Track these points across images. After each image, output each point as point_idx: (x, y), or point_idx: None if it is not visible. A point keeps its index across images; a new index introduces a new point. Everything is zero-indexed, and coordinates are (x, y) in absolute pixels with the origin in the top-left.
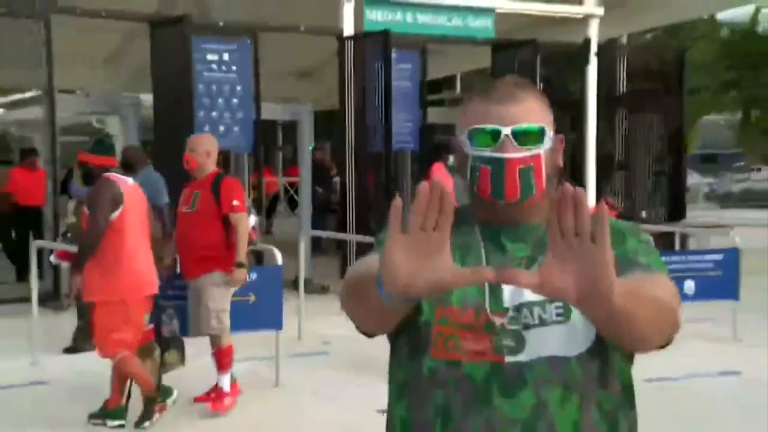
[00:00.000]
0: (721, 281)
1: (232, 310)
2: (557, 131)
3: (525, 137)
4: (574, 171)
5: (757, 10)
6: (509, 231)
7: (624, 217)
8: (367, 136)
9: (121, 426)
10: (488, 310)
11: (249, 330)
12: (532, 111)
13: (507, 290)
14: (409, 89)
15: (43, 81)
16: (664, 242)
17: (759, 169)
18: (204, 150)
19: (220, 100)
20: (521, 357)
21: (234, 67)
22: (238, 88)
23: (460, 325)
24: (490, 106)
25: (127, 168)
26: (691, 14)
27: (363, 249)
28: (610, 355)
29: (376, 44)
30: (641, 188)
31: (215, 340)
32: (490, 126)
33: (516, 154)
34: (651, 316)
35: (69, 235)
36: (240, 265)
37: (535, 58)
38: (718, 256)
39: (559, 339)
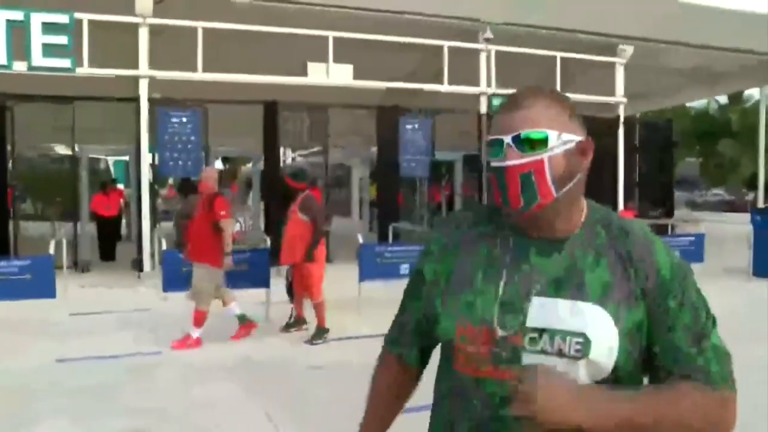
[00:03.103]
0: (695, 251)
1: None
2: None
3: (527, 143)
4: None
5: (709, 101)
6: (539, 244)
7: (639, 215)
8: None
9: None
10: (497, 328)
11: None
12: (538, 117)
13: (535, 308)
14: None
15: (324, 142)
16: (662, 229)
17: (710, 190)
18: (206, 177)
19: (412, 149)
20: None
21: (420, 132)
22: (422, 143)
23: (476, 342)
24: (500, 116)
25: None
26: (673, 103)
27: None
28: (620, 381)
29: None
30: (649, 199)
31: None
32: (494, 136)
33: (516, 161)
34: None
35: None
36: (227, 255)
37: (588, 125)
38: (693, 237)
39: (571, 371)
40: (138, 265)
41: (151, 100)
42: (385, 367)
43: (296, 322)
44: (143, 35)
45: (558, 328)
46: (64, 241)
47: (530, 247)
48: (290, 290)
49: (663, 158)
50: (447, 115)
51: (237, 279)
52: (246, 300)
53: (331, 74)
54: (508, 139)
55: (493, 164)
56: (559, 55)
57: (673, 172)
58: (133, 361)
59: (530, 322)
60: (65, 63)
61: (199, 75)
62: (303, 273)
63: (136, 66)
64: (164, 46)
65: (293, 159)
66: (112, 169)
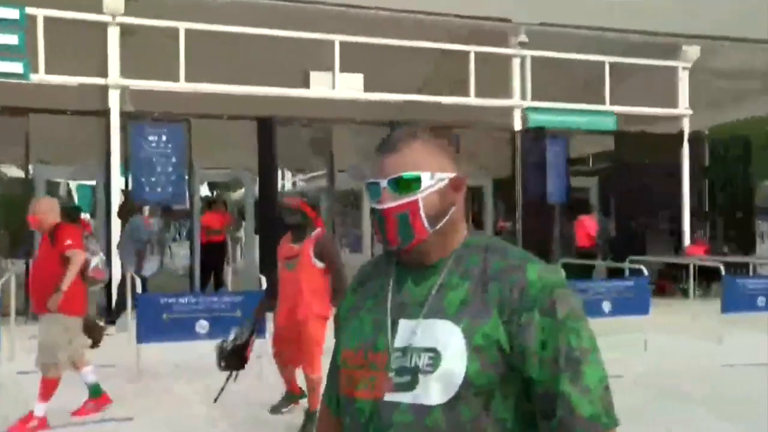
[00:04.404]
0: None
1: None
2: None
3: (402, 185)
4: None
5: None
6: (415, 272)
7: (711, 253)
8: (528, 191)
9: None
10: (370, 350)
11: None
12: (412, 159)
13: (400, 330)
14: (560, 162)
15: (328, 166)
16: (740, 268)
17: None
18: (37, 209)
19: None
20: (394, 398)
21: None
22: None
23: (354, 365)
24: (378, 159)
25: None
26: (748, 114)
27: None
28: (481, 401)
29: (535, 136)
30: (723, 231)
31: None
32: (372, 179)
33: (391, 203)
34: None
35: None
36: (58, 291)
37: (644, 142)
38: None
39: (425, 387)
40: (105, 311)
41: (123, 114)
42: (321, 421)
43: (288, 398)
44: (113, 37)
45: (415, 346)
46: (14, 282)
47: (408, 276)
48: None
49: (739, 181)
50: (473, 132)
51: (228, 327)
52: None
53: (338, 85)
54: (384, 182)
55: (372, 206)
56: (607, 59)
57: (753, 198)
58: (100, 429)
59: (396, 343)
60: (16, 68)
61: (181, 85)
62: (309, 333)
63: (105, 74)
64: (139, 50)
65: (293, 184)
66: (74, 195)
